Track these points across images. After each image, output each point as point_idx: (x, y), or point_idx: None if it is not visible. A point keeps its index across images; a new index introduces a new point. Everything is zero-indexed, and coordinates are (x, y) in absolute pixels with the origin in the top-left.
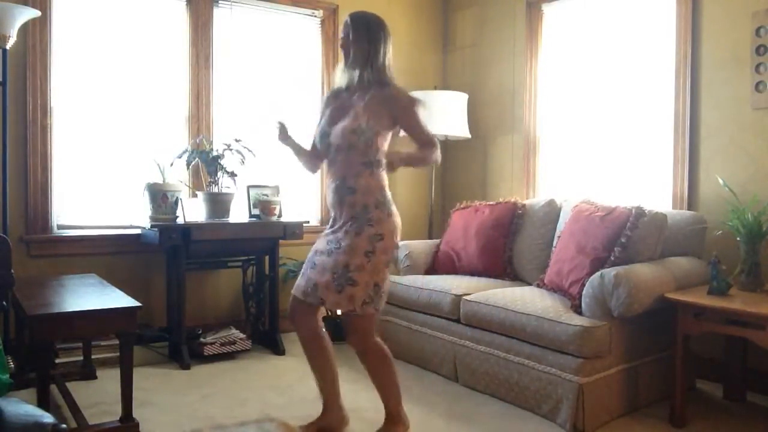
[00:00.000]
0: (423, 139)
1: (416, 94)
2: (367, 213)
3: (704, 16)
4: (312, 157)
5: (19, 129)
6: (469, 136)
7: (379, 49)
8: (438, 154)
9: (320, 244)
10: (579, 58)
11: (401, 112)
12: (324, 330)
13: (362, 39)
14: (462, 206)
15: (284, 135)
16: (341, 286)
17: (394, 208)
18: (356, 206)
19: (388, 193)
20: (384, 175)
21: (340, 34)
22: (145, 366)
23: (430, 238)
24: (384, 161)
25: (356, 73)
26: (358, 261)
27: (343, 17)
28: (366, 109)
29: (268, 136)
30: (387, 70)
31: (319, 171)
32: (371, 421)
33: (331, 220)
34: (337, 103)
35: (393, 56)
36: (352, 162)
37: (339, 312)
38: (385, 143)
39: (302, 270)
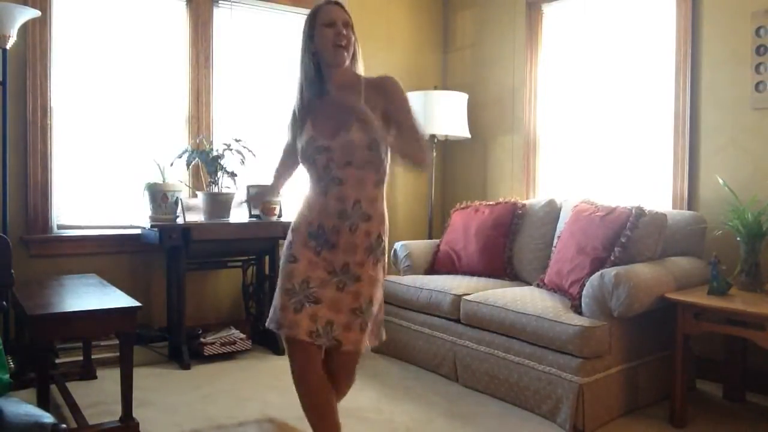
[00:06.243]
0: (417, 133)
1: (417, 94)
2: (381, 243)
3: (704, 16)
4: (286, 179)
5: (19, 129)
6: (469, 136)
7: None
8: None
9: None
10: (579, 59)
11: (393, 101)
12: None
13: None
14: (462, 206)
15: (259, 197)
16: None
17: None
18: (371, 236)
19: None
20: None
21: None
22: (145, 366)
23: (430, 238)
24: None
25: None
26: (379, 294)
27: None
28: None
29: (268, 136)
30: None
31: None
32: (372, 421)
33: (324, 243)
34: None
35: (393, 57)
36: (366, 181)
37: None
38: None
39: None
